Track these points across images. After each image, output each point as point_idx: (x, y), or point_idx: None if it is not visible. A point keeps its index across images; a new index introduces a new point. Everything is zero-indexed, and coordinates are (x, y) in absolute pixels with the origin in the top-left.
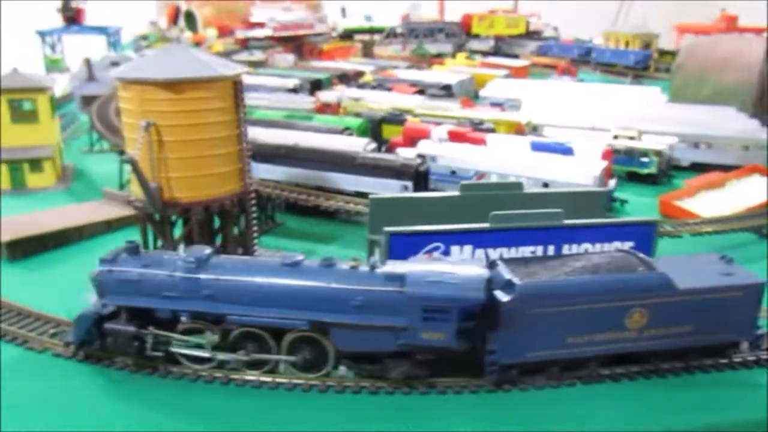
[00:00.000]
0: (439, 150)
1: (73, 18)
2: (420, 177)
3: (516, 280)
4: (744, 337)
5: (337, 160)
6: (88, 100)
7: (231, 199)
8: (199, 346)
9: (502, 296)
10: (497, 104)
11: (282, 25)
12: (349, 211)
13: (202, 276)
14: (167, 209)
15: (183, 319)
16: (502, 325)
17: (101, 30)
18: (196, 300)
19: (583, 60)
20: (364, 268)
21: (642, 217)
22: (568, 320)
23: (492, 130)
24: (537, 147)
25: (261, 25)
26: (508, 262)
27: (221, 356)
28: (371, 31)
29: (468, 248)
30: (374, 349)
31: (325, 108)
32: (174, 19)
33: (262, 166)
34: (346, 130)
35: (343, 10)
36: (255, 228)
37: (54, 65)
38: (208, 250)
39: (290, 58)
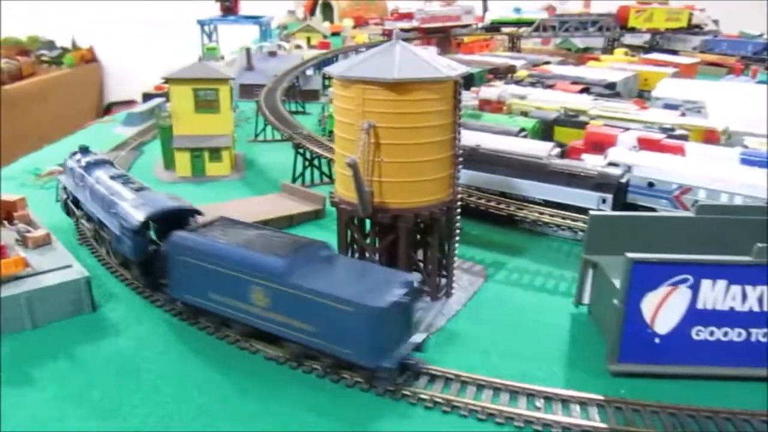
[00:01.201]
0: (634, 159)
1: (230, 8)
2: (621, 190)
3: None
4: (363, 362)
5: (526, 165)
6: (247, 89)
7: (440, 208)
8: None
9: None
10: (672, 107)
11: (430, 17)
12: (543, 222)
13: None
14: (377, 214)
15: None
16: (168, 266)
17: (255, 20)
18: None
19: (758, 58)
20: None
21: None
22: (207, 277)
23: (686, 138)
24: (749, 160)
25: (409, 16)
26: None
27: None
28: (519, 23)
29: (722, 283)
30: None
31: (484, 105)
32: (312, 10)
33: None
34: (521, 132)
35: (485, 1)
36: (457, 239)
37: (210, 53)
38: None
39: (432, 50)
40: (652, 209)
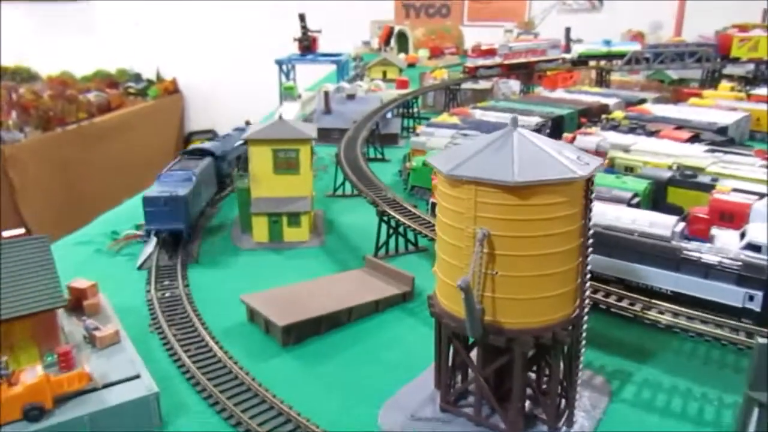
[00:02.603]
0: None
1: (308, 47)
2: None
3: None
4: None
5: (650, 248)
6: (325, 133)
7: (565, 326)
8: None
9: None
10: None
11: (513, 53)
12: (680, 329)
13: None
14: (488, 336)
15: None
16: None
17: (333, 57)
18: None
19: None
20: None
21: None
22: None
23: None
24: None
25: (491, 52)
26: None
27: None
28: (609, 56)
29: None
30: None
31: None
32: (387, 40)
33: None
34: (634, 198)
35: (568, 31)
36: (580, 361)
37: (288, 92)
38: None
39: (514, 85)
40: None
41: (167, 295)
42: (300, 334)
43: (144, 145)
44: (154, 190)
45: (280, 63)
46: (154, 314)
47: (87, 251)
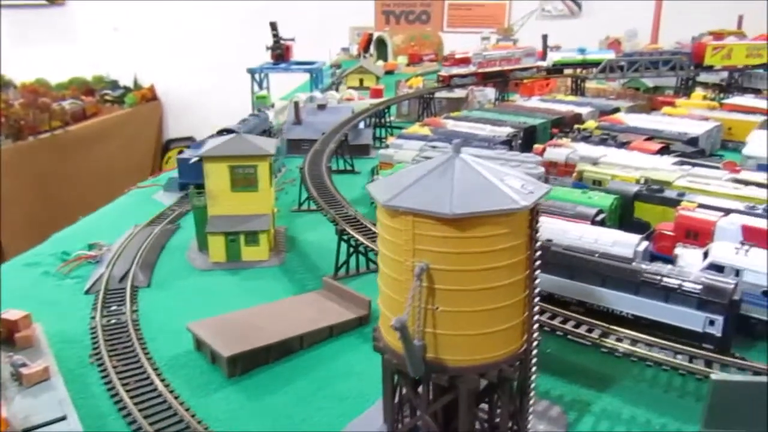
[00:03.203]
0: (743, 260)
1: (281, 56)
2: (734, 309)
3: None
4: None
5: (611, 271)
6: (295, 144)
7: (512, 362)
8: None
9: None
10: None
11: (488, 61)
12: (638, 357)
13: None
14: (431, 373)
15: None
16: None
17: (306, 65)
18: None
19: None
20: None
21: None
22: None
23: None
24: None
25: (466, 61)
26: None
27: None
28: (584, 64)
29: None
30: None
31: (550, 168)
32: (366, 47)
33: None
34: (599, 214)
35: (545, 38)
36: (532, 399)
37: (261, 101)
38: None
39: (489, 93)
40: None
41: (113, 321)
42: (247, 364)
43: (122, 154)
44: (186, 154)
45: (252, 72)
46: (96, 344)
47: (34, 274)
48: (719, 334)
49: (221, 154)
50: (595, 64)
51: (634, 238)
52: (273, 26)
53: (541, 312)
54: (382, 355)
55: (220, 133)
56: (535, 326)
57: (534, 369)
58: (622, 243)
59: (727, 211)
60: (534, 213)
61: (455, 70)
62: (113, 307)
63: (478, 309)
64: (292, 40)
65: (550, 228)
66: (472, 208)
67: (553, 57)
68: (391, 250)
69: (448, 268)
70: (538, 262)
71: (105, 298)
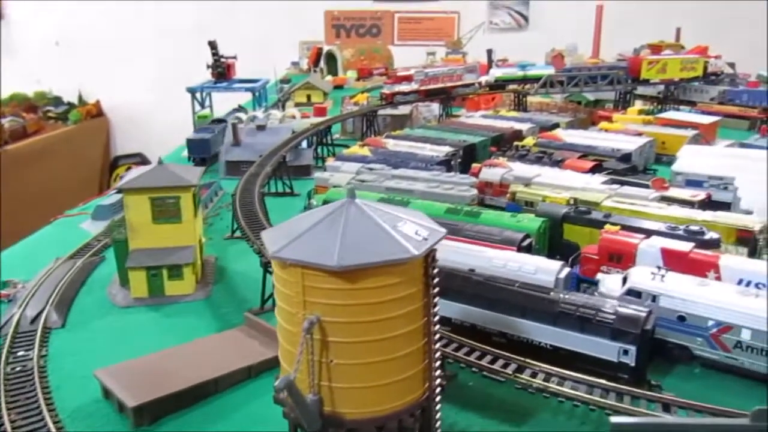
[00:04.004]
0: (659, 286)
1: (222, 74)
2: (646, 339)
3: None
4: None
5: (530, 300)
6: (234, 167)
7: (412, 412)
8: None
9: None
10: (696, 183)
11: (430, 78)
12: (550, 393)
13: None
14: (328, 428)
15: None
16: None
17: (249, 83)
18: None
19: None
20: None
21: None
22: None
23: (718, 244)
24: None
25: (408, 78)
26: None
27: None
28: (525, 79)
29: None
30: None
31: (485, 188)
32: (315, 61)
33: None
34: (525, 240)
35: (489, 53)
36: None
37: (203, 121)
38: None
39: (435, 108)
40: (686, 348)
41: (17, 369)
42: (156, 412)
43: (66, 172)
44: (192, 134)
45: (192, 91)
46: None
47: None
48: (633, 364)
49: (141, 186)
50: (536, 79)
51: (556, 264)
52: (212, 45)
53: (459, 347)
54: (282, 411)
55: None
56: (437, 372)
57: (438, 416)
58: (544, 270)
59: (649, 233)
60: (429, 259)
61: (398, 88)
62: (20, 353)
63: (374, 360)
64: (234, 57)
65: (476, 255)
66: (360, 259)
67: (495, 73)
68: (284, 301)
69: (340, 320)
70: (437, 308)
71: (12, 342)
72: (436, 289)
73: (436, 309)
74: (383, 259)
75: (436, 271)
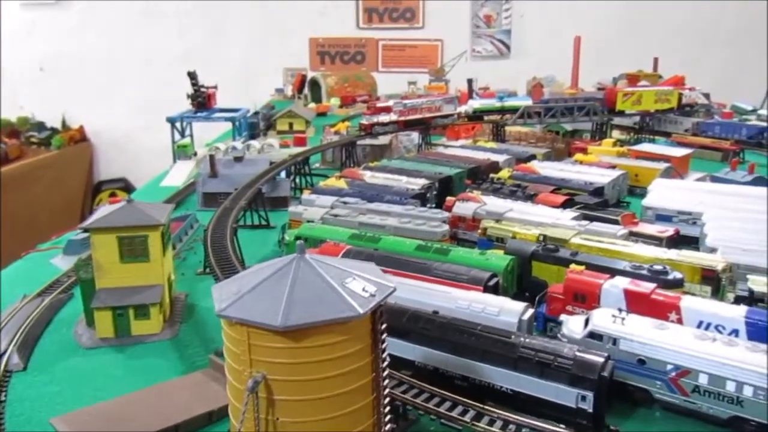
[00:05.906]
0: (620, 329)
1: (202, 104)
2: (603, 385)
3: None
4: None
5: (488, 345)
6: (211, 198)
7: None
8: None
9: None
10: (666, 218)
11: (408, 109)
12: None
13: None
14: None
15: None
16: None
17: (229, 113)
18: None
19: (754, 143)
20: None
21: None
22: None
23: (681, 284)
24: (755, 324)
25: (387, 109)
26: None
27: None
28: (503, 110)
29: None
30: None
31: (458, 222)
32: (300, 88)
33: (392, 340)
34: (492, 279)
35: (470, 82)
36: None
37: (182, 150)
38: None
39: (416, 138)
40: (646, 391)
41: None
42: None
43: (48, 198)
44: None
45: (172, 121)
46: None
47: None
48: (591, 410)
49: (108, 225)
50: (514, 110)
51: (520, 306)
52: (191, 75)
53: (419, 393)
54: None
55: None
56: (387, 426)
57: None
58: (508, 311)
59: (614, 273)
60: (377, 315)
61: (376, 119)
62: None
63: (320, 418)
64: (215, 87)
65: (442, 296)
66: (305, 318)
67: (473, 104)
68: (232, 358)
69: (286, 379)
70: (386, 362)
71: None
72: (385, 344)
73: (385, 364)
74: (328, 318)
75: (384, 327)
